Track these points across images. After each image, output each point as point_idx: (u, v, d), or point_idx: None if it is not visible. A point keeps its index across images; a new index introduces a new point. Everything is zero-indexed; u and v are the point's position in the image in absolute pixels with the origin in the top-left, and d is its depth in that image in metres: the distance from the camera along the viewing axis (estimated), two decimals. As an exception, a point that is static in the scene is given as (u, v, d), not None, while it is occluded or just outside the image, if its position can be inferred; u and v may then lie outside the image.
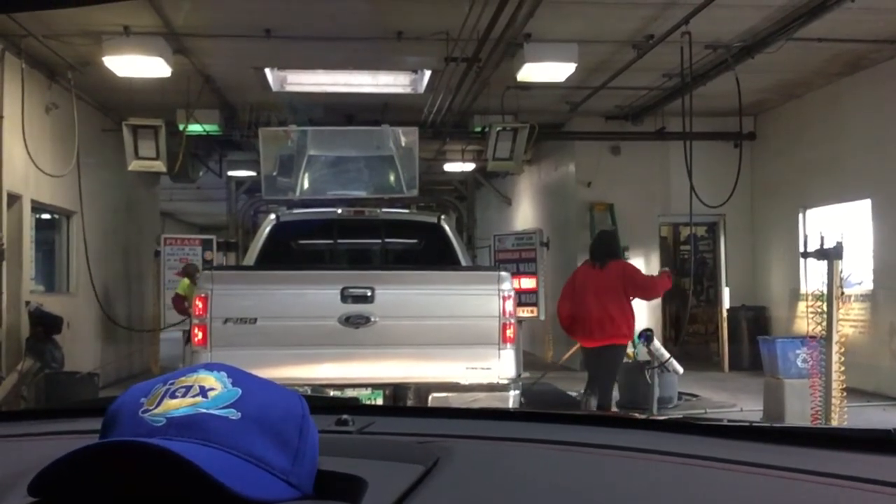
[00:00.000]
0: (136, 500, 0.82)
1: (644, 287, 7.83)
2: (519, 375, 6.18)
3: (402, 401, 5.78)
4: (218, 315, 5.75)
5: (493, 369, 5.88)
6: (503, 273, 6.14)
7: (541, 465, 1.09)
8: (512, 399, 5.88)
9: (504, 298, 5.89)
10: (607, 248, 7.88)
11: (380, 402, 5.76)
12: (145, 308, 13.67)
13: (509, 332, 5.91)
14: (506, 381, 5.90)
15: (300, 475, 0.87)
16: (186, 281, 10.62)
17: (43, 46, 9.10)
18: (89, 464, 0.82)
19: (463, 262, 7.45)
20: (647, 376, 8.45)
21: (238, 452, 0.83)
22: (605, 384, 7.63)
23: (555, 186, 15.13)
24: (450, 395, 5.78)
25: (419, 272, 6.44)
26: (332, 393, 5.57)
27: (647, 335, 8.04)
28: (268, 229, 7.50)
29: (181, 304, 10.62)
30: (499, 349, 5.88)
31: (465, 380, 5.85)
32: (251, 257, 7.36)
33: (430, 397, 5.77)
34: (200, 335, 5.75)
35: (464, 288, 6.07)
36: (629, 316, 7.57)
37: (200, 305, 5.76)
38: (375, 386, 5.89)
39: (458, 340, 5.90)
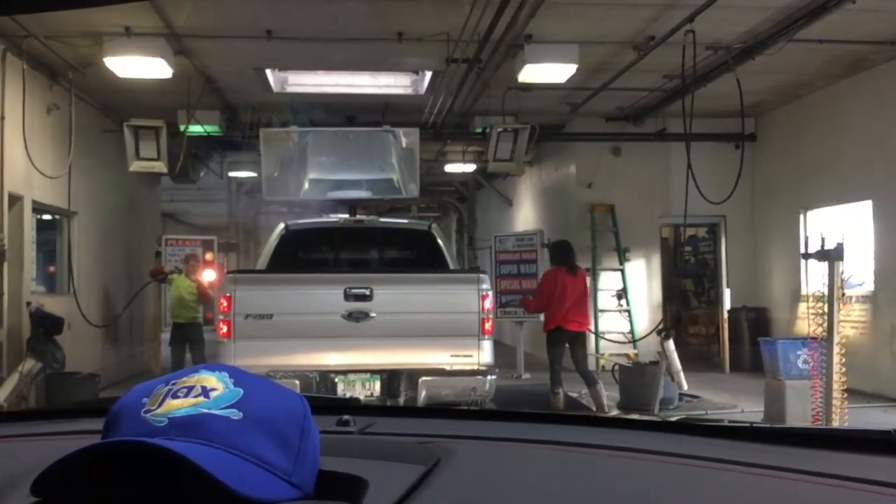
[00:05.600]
0: (137, 500, 0.83)
1: None
2: (494, 365, 7.07)
3: (396, 383, 6.81)
4: (240, 312, 6.71)
5: (473, 357, 6.84)
6: (482, 275, 7.17)
7: (541, 466, 1.09)
8: (489, 383, 6.86)
9: (483, 297, 6.88)
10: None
11: (377, 384, 6.84)
12: (146, 308, 13.67)
13: (487, 326, 6.91)
14: (484, 368, 6.88)
15: (301, 475, 0.88)
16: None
17: (44, 47, 9.09)
18: (91, 464, 0.83)
19: (451, 265, 8.34)
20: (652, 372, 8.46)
21: (239, 452, 0.84)
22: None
23: (555, 187, 15.12)
24: (437, 378, 6.77)
25: (411, 275, 7.47)
26: (335, 378, 6.80)
27: (667, 332, 8.19)
28: (277, 239, 8.28)
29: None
30: (478, 340, 6.86)
31: (449, 366, 6.82)
32: (263, 261, 8.15)
33: (419, 380, 6.73)
34: (225, 328, 6.74)
35: (449, 288, 7.10)
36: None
37: (225, 304, 6.74)
38: (373, 371, 6.88)
39: (444, 332, 6.88)
